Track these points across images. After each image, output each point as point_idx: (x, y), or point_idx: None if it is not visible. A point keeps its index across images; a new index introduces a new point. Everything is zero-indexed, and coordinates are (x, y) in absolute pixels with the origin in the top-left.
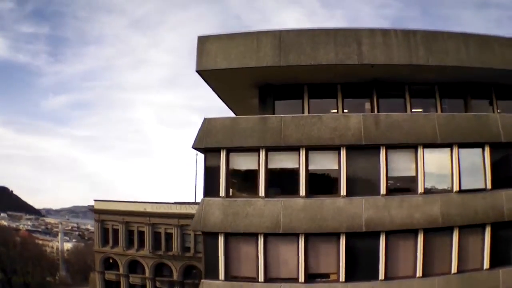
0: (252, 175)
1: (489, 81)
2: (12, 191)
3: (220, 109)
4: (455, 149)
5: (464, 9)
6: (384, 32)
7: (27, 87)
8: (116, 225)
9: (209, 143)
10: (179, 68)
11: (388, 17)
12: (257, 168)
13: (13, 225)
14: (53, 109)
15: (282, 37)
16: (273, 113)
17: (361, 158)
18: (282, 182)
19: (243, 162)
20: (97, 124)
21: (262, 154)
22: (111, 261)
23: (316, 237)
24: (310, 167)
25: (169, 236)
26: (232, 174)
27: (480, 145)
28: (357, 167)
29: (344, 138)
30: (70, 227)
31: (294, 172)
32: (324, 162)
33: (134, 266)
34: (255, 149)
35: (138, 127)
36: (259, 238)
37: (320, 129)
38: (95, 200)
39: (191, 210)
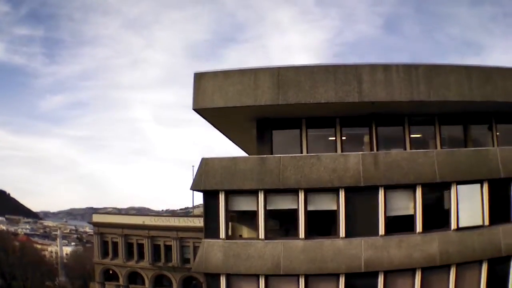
0: (251, 216)
1: (490, 110)
2: (9, 194)
3: None
4: (453, 187)
5: (458, 6)
6: (385, 67)
7: (23, 89)
8: (116, 238)
9: (208, 185)
10: (175, 67)
11: (382, 14)
12: (256, 209)
13: (12, 229)
14: (50, 110)
15: (280, 74)
16: (271, 145)
17: (360, 199)
18: (281, 223)
19: (243, 203)
20: (94, 124)
21: (261, 196)
22: (111, 272)
23: (316, 278)
24: (309, 208)
25: (168, 248)
26: (232, 215)
27: (479, 181)
28: (355, 207)
29: (343, 180)
30: (68, 230)
31: (293, 213)
32: (323, 203)
33: (134, 278)
34: (254, 191)
35: (136, 126)
36: (260, 279)
37: (319, 170)
38: (94, 214)
39: (190, 222)
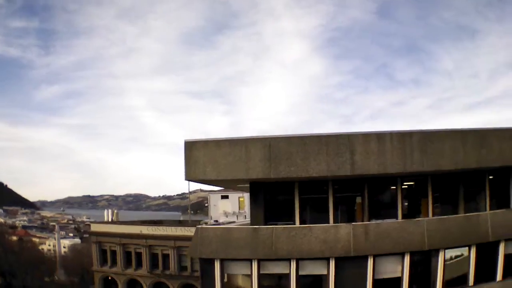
0: (245, 281)
1: (484, 169)
2: (6, 185)
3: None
4: (441, 253)
5: None
6: (379, 136)
7: (19, 80)
8: (114, 247)
9: (204, 253)
10: (169, 55)
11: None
12: (250, 273)
13: (10, 221)
14: (46, 100)
15: (271, 146)
16: (264, 208)
17: (349, 266)
18: (274, 285)
19: (237, 269)
20: (90, 113)
21: (255, 264)
22: (109, 278)
23: None
24: (300, 273)
25: (166, 257)
26: (227, 280)
27: (467, 245)
28: (345, 273)
29: (333, 250)
30: (65, 221)
31: (285, 277)
32: (313, 269)
33: (133, 285)
34: (248, 260)
35: (131, 114)
36: None
37: (310, 241)
38: (91, 223)
39: (187, 232)
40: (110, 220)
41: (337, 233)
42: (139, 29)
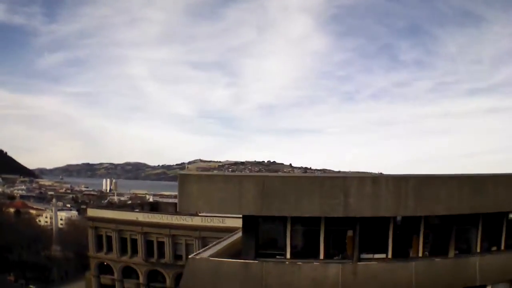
0: None
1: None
2: (6, 153)
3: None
4: None
5: None
6: (374, 180)
7: (22, 47)
8: (110, 232)
9: (196, 285)
10: (173, 25)
11: None
12: None
13: (8, 190)
14: (49, 67)
15: (265, 185)
16: (257, 240)
17: None
18: None
19: None
20: (92, 81)
21: None
22: (105, 264)
23: None
24: None
25: (161, 245)
26: None
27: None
28: None
29: None
30: (64, 190)
31: None
32: None
33: (129, 272)
34: None
35: (133, 83)
36: None
37: (299, 278)
38: (88, 208)
39: (182, 221)
40: (108, 189)
41: (326, 271)
42: None
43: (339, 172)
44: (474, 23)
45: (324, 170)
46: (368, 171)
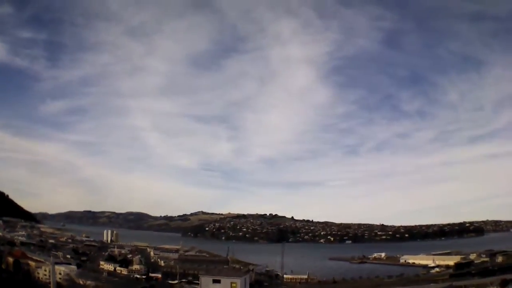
0: None
1: None
2: (8, 196)
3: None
4: None
5: (459, 21)
6: None
7: (25, 91)
8: None
9: None
10: (175, 75)
11: (383, 28)
12: None
13: (8, 235)
14: (50, 114)
15: None
16: None
17: None
18: None
19: None
20: (93, 130)
21: None
22: None
23: None
24: None
25: None
26: None
27: None
28: None
29: None
30: (64, 238)
31: None
32: None
33: None
34: None
35: (135, 133)
36: None
37: None
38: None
39: None
40: (109, 240)
41: None
42: (146, 48)
43: (340, 224)
44: (474, 68)
45: (326, 223)
46: (369, 223)
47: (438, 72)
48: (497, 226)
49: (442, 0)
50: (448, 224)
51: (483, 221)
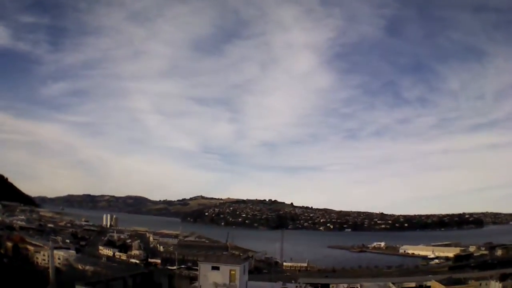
0: None
1: None
2: (7, 179)
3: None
4: None
5: (462, 11)
6: None
7: (27, 74)
8: None
9: None
10: (176, 59)
11: (386, 16)
12: None
13: (7, 220)
14: (52, 96)
15: None
16: None
17: None
18: None
19: None
20: (94, 112)
21: None
22: None
23: None
24: None
25: None
26: None
27: None
28: None
29: None
30: (64, 223)
31: None
32: None
33: None
34: None
35: (135, 116)
36: None
37: None
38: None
39: None
40: (108, 225)
41: None
42: (148, 32)
43: (340, 212)
44: (476, 58)
45: (325, 210)
46: (369, 211)
47: (440, 60)
48: (497, 218)
49: None
50: (448, 215)
51: (482, 213)
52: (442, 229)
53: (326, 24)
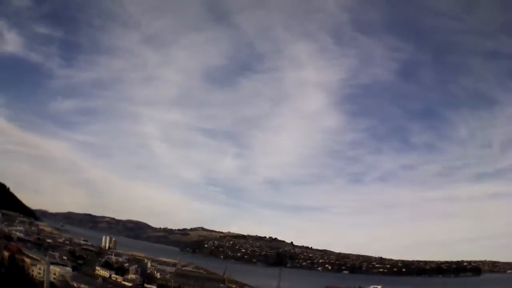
0: None
1: None
2: (9, 188)
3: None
4: None
5: (475, 57)
6: None
7: (37, 87)
8: None
9: None
10: (188, 88)
11: (399, 59)
12: None
13: (6, 229)
14: (61, 112)
15: None
16: None
17: None
18: None
19: None
20: (102, 133)
21: None
22: None
23: None
24: None
25: None
26: None
27: None
28: None
29: None
30: (62, 239)
31: None
32: None
33: None
34: None
35: (143, 141)
36: None
37: None
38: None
39: None
40: (107, 246)
41: None
42: (161, 58)
43: (339, 253)
44: (487, 106)
45: (325, 251)
46: (368, 254)
47: (450, 107)
48: (495, 267)
49: (459, 35)
50: (446, 262)
51: (481, 261)
52: (440, 275)
53: (339, 64)
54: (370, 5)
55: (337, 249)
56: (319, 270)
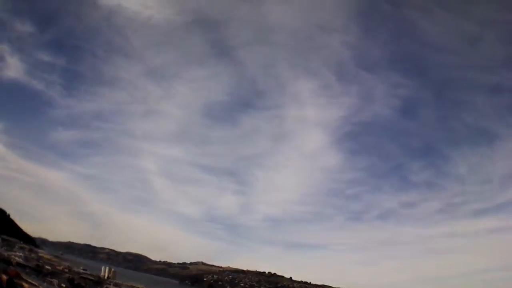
0: None
1: None
2: (9, 215)
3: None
4: None
5: (477, 92)
6: None
7: (37, 115)
8: None
9: None
10: (189, 123)
11: (401, 96)
12: None
13: (5, 254)
14: (61, 142)
15: None
16: None
17: None
18: None
19: None
20: (102, 165)
21: None
22: None
23: None
24: None
25: None
26: None
27: None
28: None
29: None
30: (62, 267)
31: None
32: None
33: None
34: None
35: (143, 176)
36: None
37: None
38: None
39: None
40: (106, 276)
41: None
42: (163, 92)
43: None
44: (487, 141)
45: (323, 286)
46: None
47: (450, 144)
48: None
49: (462, 70)
50: None
51: None
52: None
53: (341, 102)
54: (373, 41)
55: (336, 285)
56: None
